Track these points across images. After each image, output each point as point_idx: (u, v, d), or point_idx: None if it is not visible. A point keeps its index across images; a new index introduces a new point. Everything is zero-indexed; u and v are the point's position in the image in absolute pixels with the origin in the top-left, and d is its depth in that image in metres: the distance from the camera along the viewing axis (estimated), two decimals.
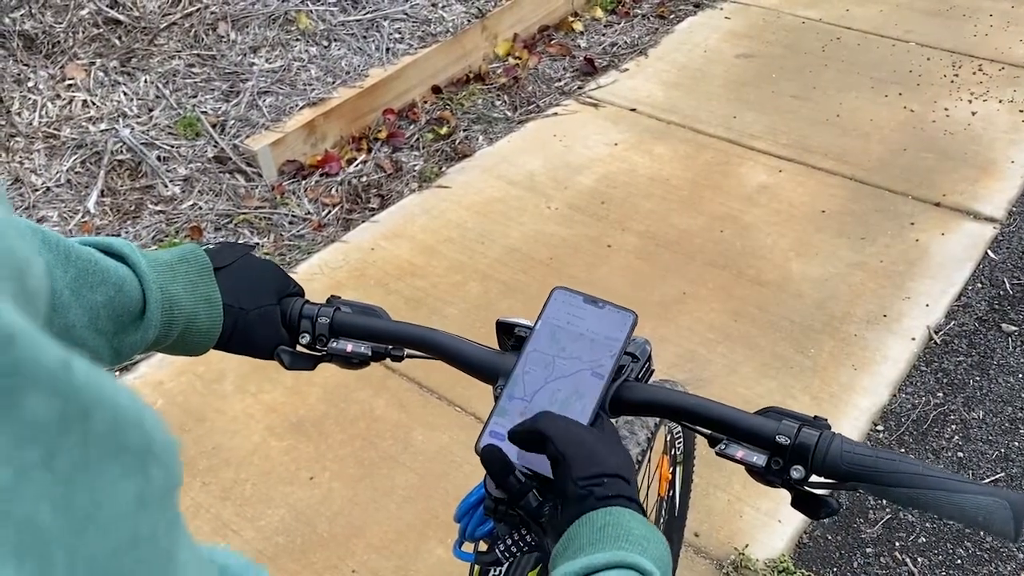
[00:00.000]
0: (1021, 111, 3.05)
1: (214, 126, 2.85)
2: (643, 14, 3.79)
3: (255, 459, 1.95)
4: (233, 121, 2.86)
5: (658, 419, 1.10)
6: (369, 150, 2.96)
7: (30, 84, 2.81)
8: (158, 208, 2.65)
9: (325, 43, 3.18)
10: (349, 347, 0.79)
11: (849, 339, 2.20)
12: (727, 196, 2.71)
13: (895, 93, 3.18)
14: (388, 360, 0.81)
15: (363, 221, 2.66)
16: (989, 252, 2.49)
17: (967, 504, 0.60)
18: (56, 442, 0.19)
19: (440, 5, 3.43)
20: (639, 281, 2.39)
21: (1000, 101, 3.11)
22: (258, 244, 2.58)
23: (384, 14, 3.31)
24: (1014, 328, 2.26)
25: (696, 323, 2.26)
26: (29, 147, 2.70)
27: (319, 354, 0.80)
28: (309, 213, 2.70)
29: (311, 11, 3.22)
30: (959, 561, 1.76)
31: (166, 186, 2.70)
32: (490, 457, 0.64)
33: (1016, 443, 1.97)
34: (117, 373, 2.17)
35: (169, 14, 3.04)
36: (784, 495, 0.68)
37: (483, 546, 0.77)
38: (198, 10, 3.07)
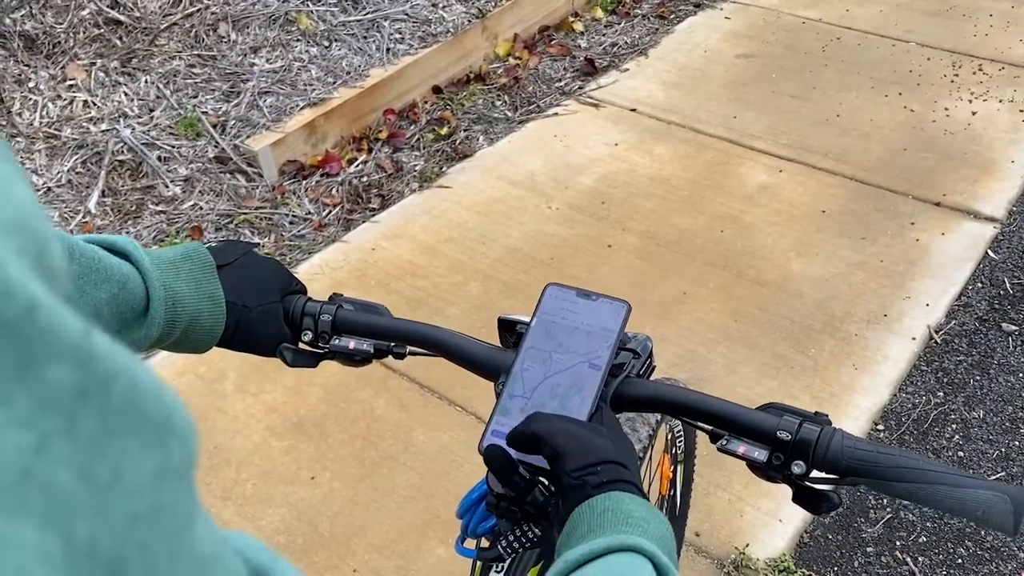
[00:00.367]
0: (1021, 111, 3.05)
1: (215, 126, 2.85)
2: (643, 14, 3.79)
3: (256, 459, 1.95)
4: (234, 121, 2.86)
5: (659, 416, 1.11)
6: (370, 150, 2.97)
7: (31, 84, 2.82)
8: (159, 208, 2.65)
9: (326, 43, 3.18)
10: (351, 344, 0.79)
11: (849, 339, 2.20)
12: (727, 196, 2.71)
13: (895, 93, 3.18)
14: (389, 359, 0.81)
15: (364, 221, 2.67)
16: (989, 252, 2.49)
17: (967, 498, 0.60)
18: (77, 410, 0.20)
19: (440, 5, 3.44)
20: (639, 281, 2.39)
21: (1000, 101, 3.11)
22: (259, 244, 2.59)
23: (384, 14, 3.31)
24: (1014, 327, 2.26)
25: (696, 323, 2.26)
26: (30, 147, 2.71)
27: (321, 351, 0.80)
28: (310, 213, 2.70)
29: (311, 11, 3.22)
30: (960, 560, 1.76)
31: (167, 186, 2.70)
32: (494, 456, 0.65)
33: (1016, 442, 1.97)
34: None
35: (170, 14, 3.04)
36: (785, 494, 0.68)
37: (485, 542, 0.77)
38: (199, 10, 3.08)
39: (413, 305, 2.32)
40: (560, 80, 3.37)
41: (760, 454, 0.67)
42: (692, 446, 1.36)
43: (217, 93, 2.94)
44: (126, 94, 2.88)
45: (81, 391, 0.20)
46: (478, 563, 0.91)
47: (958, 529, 1.81)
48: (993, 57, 3.37)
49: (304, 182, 2.81)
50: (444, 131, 3.05)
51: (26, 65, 2.84)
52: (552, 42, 3.60)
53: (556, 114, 3.15)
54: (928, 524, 1.82)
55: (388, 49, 3.18)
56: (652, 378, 0.78)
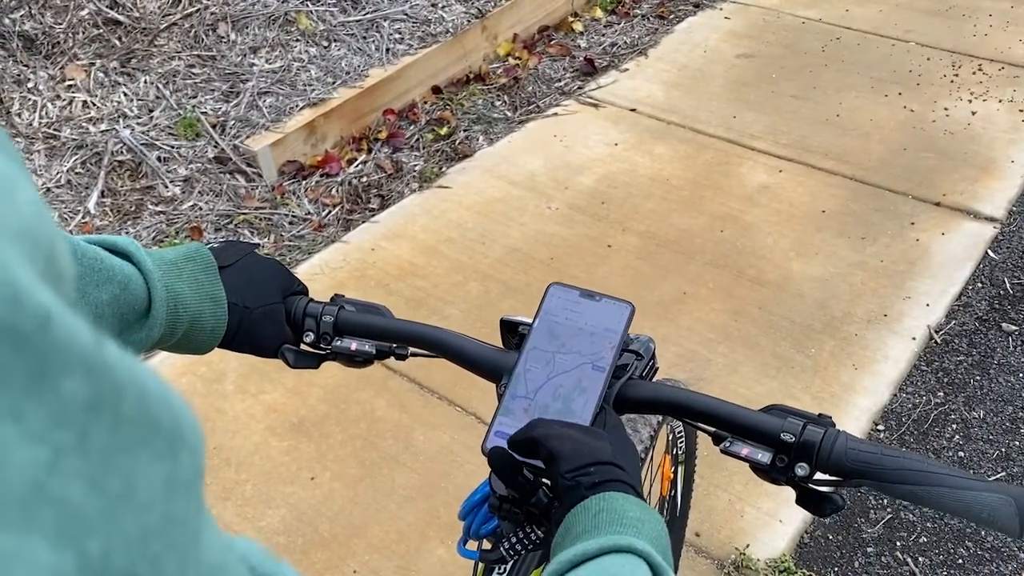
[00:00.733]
0: (1021, 111, 3.06)
1: (214, 127, 2.85)
2: (643, 14, 3.79)
3: (256, 459, 1.95)
4: (233, 121, 2.86)
5: (660, 417, 1.10)
6: (369, 150, 2.96)
7: (30, 85, 2.81)
8: (158, 208, 2.65)
9: (325, 43, 3.18)
10: (353, 345, 0.79)
11: (850, 339, 2.20)
12: (727, 196, 2.71)
13: (895, 93, 3.18)
14: (391, 359, 0.81)
15: (363, 221, 2.66)
16: (989, 252, 2.49)
17: (971, 501, 0.60)
18: (90, 423, 0.19)
19: (440, 5, 3.43)
20: (639, 281, 2.39)
21: (1000, 101, 3.11)
22: (259, 245, 2.58)
23: (384, 14, 3.31)
24: (1014, 327, 2.26)
25: (696, 323, 2.26)
26: (29, 148, 2.70)
27: (323, 352, 0.80)
28: (309, 213, 2.70)
29: (311, 11, 3.22)
30: (960, 561, 1.76)
31: (166, 187, 2.70)
32: (497, 458, 0.65)
33: (1017, 442, 1.97)
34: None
35: (169, 15, 3.04)
36: (786, 495, 0.68)
37: (487, 544, 0.77)
38: (198, 11, 3.07)
39: (413, 305, 2.32)
40: (560, 80, 3.37)
41: (764, 456, 0.67)
42: (693, 447, 1.36)
43: (216, 93, 2.94)
44: (125, 94, 2.88)
45: (94, 403, 0.20)
46: (480, 565, 0.90)
47: (958, 529, 1.81)
48: (993, 57, 3.37)
49: (304, 182, 2.81)
50: (444, 131, 3.04)
51: (25, 65, 2.84)
52: (552, 42, 3.60)
53: (556, 114, 3.15)
54: (928, 524, 1.82)
55: (388, 49, 3.18)
56: (654, 379, 0.78)
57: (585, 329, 0.72)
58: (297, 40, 3.15)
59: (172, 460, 0.22)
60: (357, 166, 2.90)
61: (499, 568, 0.89)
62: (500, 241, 2.55)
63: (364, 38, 3.22)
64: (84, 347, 0.20)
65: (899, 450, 0.65)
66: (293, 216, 2.68)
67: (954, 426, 2.02)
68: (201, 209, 2.66)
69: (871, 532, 1.81)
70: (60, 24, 2.90)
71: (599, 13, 3.78)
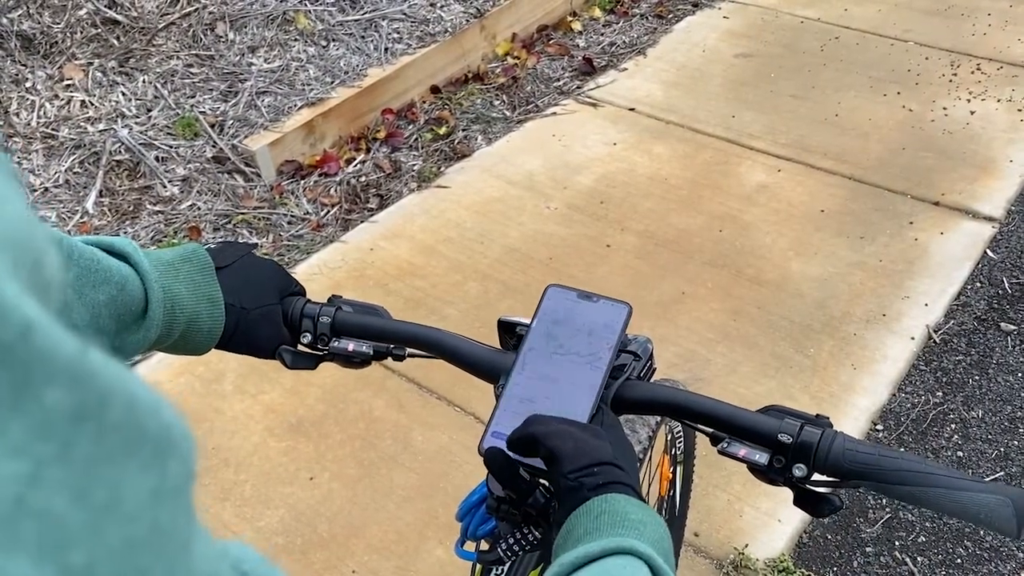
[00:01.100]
0: (1019, 110, 3.06)
1: (212, 126, 2.84)
2: (641, 14, 3.79)
3: (254, 460, 1.95)
4: (231, 121, 2.86)
5: (659, 418, 1.10)
6: (368, 150, 2.96)
7: (28, 84, 2.81)
8: (157, 208, 2.64)
9: (323, 43, 3.17)
10: (351, 346, 0.79)
11: (848, 338, 2.20)
12: (726, 195, 2.71)
13: (894, 92, 3.18)
14: (389, 360, 0.81)
15: (362, 221, 2.66)
16: (988, 251, 2.49)
17: (969, 502, 0.60)
18: (73, 433, 0.19)
19: (438, 5, 3.43)
20: (638, 281, 2.39)
21: (998, 100, 3.11)
22: (257, 245, 2.58)
23: (382, 14, 3.31)
24: (1013, 327, 2.26)
25: (695, 322, 2.26)
26: (27, 147, 2.70)
27: (321, 353, 0.80)
28: (308, 213, 2.70)
29: (309, 11, 3.22)
30: (959, 560, 1.76)
31: (164, 186, 2.70)
32: (494, 458, 0.64)
33: (1015, 442, 1.97)
34: None
35: (167, 14, 3.04)
36: (784, 495, 0.68)
37: (485, 545, 0.76)
38: (196, 10, 3.07)
39: (411, 305, 2.32)
40: (558, 80, 3.37)
41: (761, 457, 0.67)
42: (691, 447, 1.36)
43: (215, 93, 2.94)
44: (123, 94, 2.87)
45: (78, 413, 0.19)
46: (478, 566, 0.90)
47: (957, 529, 1.81)
48: (991, 56, 3.37)
49: (302, 182, 2.81)
50: (442, 131, 3.04)
51: (23, 65, 2.83)
52: (550, 42, 3.60)
53: (554, 114, 3.15)
54: (927, 524, 1.82)
55: (386, 49, 3.18)
56: (652, 380, 0.77)
57: (583, 330, 0.72)
58: (295, 40, 3.14)
59: (160, 469, 0.21)
60: (356, 166, 2.90)
61: (497, 569, 0.89)
62: (499, 241, 2.55)
63: (363, 38, 3.22)
64: (67, 356, 0.19)
65: (897, 451, 0.65)
66: (292, 216, 2.68)
67: (953, 426, 2.02)
68: (199, 209, 2.65)
69: (870, 532, 1.81)
70: (58, 24, 2.90)
71: (598, 12, 3.78)
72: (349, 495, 1.86)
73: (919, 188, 2.71)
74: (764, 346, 2.18)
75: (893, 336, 2.21)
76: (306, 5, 3.23)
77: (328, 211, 2.71)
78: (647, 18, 3.77)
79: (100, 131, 2.77)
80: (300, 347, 0.80)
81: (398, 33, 3.27)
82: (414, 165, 2.91)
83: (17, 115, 2.75)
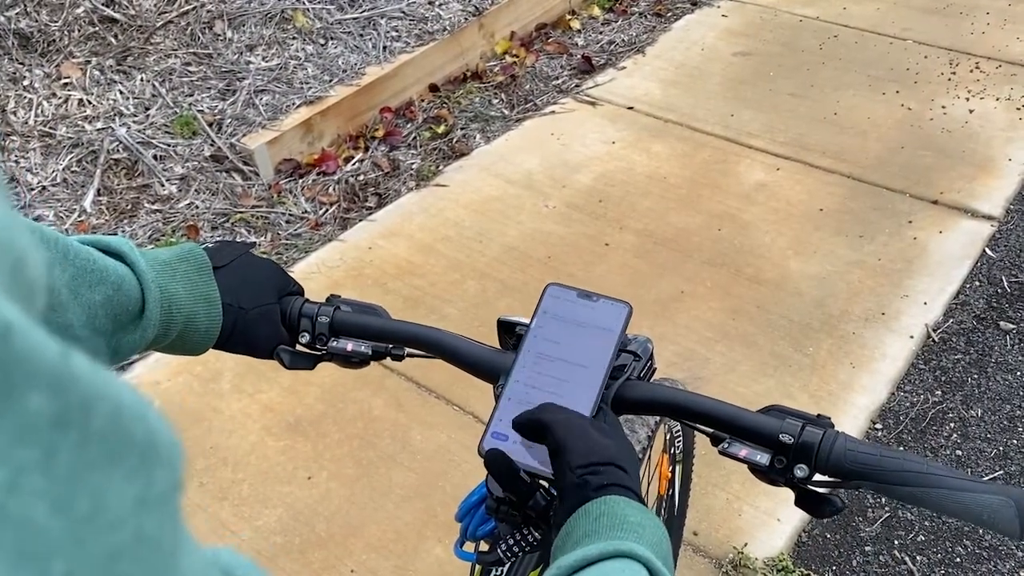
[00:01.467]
0: (1018, 109, 3.05)
1: (211, 125, 2.84)
2: (640, 12, 3.78)
3: (252, 459, 1.94)
4: (230, 120, 2.85)
5: (658, 417, 1.10)
6: (366, 149, 2.96)
7: (25, 83, 2.80)
8: (155, 207, 2.64)
9: (322, 41, 3.17)
10: (349, 346, 0.78)
11: (848, 337, 2.20)
12: (725, 194, 2.71)
13: (892, 91, 3.18)
14: (388, 359, 0.80)
15: (360, 220, 2.66)
16: (987, 250, 2.49)
17: (971, 502, 0.60)
18: (55, 440, 0.19)
19: (437, 3, 3.43)
20: (637, 279, 2.39)
21: (997, 99, 3.11)
22: (255, 244, 2.58)
23: (381, 12, 3.30)
24: (1012, 326, 2.26)
25: (694, 321, 2.25)
26: (25, 146, 2.69)
27: (319, 353, 0.80)
28: (306, 212, 2.69)
29: (308, 9, 3.21)
30: (958, 559, 1.76)
31: (163, 185, 2.69)
32: (495, 460, 0.64)
33: (1014, 441, 1.97)
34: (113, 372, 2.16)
35: (165, 12, 3.03)
36: (783, 494, 0.68)
37: (484, 546, 0.76)
38: (194, 8, 3.06)
39: (410, 304, 2.32)
40: (557, 78, 3.36)
41: (762, 457, 0.66)
42: (691, 446, 1.35)
43: (213, 91, 2.93)
44: (121, 92, 2.87)
45: (60, 419, 0.19)
46: (477, 567, 0.90)
47: (956, 528, 1.81)
48: (990, 55, 3.37)
49: (300, 181, 2.80)
50: (441, 129, 3.04)
51: (21, 63, 2.83)
52: (549, 40, 3.59)
53: (553, 112, 3.14)
54: (926, 523, 1.82)
55: (385, 47, 3.17)
56: (652, 379, 0.77)
57: (582, 329, 0.72)
58: (294, 38, 3.14)
59: (145, 477, 0.21)
60: (354, 164, 2.89)
61: (496, 570, 0.89)
62: (497, 240, 2.55)
63: (361, 36, 3.21)
64: (49, 361, 0.19)
65: (898, 451, 0.65)
66: (290, 215, 2.67)
67: (952, 425, 2.02)
68: (197, 208, 2.65)
69: (869, 531, 1.81)
70: (56, 22, 2.89)
71: (596, 11, 3.77)
72: (347, 494, 1.86)
73: (918, 187, 2.71)
74: (763, 345, 2.18)
75: (892, 335, 2.21)
76: (304, 3, 3.22)
77: (326, 210, 2.71)
78: (646, 16, 3.76)
79: (98, 130, 2.76)
80: (298, 347, 0.80)
81: (396, 31, 3.27)
82: (412, 164, 2.90)
83: (15, 113, 2.74)
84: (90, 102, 2.82)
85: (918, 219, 2.58)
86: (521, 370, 0.71)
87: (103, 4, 2.95)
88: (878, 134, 2.96)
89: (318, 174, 2.83)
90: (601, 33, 3.66)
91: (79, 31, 2.91)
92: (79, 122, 2.77)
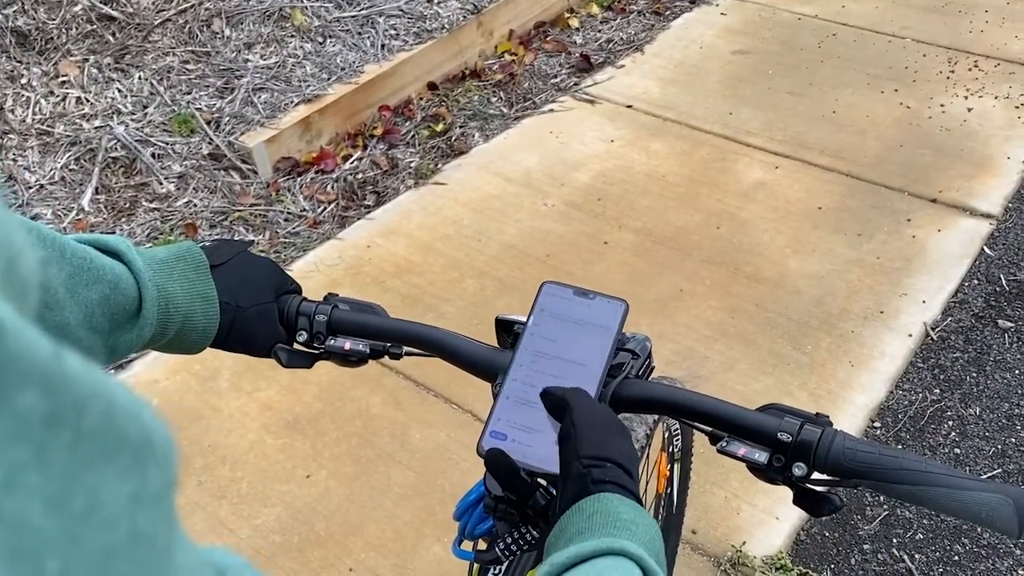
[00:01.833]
0: (1017, 107, 3.05)
1: (209, 123, 2.83)
2: (639, 10, 3.78)
3: (251, 457, 1.94)
4: (228, 118, 2.85)
5: (657, 416, 1.10)
6: (365, 147, 2.95)
7: (23, 81, 2.80)
8: (153, 205, 2.64)
9: (320, 39, 3.16)
10: (347, 345, 0.78)
11: (846, 336, 2.20)
12: (724, 193, 2.70)
13: (891, 89, 3.18)
14: (386, 358, 0.80)
15: (359, 218, 2.66)
16: (985, 248, 2.49)
17: (970, 501, 0.60)
18: (48, 439, 0.19)
19: (436, 1, 3.42)
20: (636, 278, 2.39)
21: (996, 97, 3.11)
22: (253, 242, 2.57)
23: (379, 10, 3.30)
24: (1010, 324, 2.26)
25: (693, 320, 2.25)
26: (23, 144, 2.69)
27: (317, 352, 0.80)
28: (304, 210, 2.69)
29: (306, 7, 3.20)
30: (956, 557, 1.76)
31: (161, 183, 2.69)
32: (495, 460, 0.64)
33: (1013, 439, 1.97)
34: (111, 371, 2.16)
35: (163, 10, 3.03)
36: (782, 492, 0.68)
37: (482, 544, 0.76)
38: (192, 6, 3.06)
39: (409, 303, 2.31)
40: (556, 76, 3.36)
41: (761, 456, 0.66)
42: (689, 444, 1.35)
43: (211, 89, 2.93)
44: (119, 91, 2.86)
45: (52, 418, 0.19)
46: (475, 565, 0.90)
47: (955, 526, 1.81)
48: (989, 53, 3.37)
49: (299, 179, 2.80)
50: (439, 127, 3.04)
51: (18, 61, 2.82)
52: (548, 38, 3.59)
53: (552, 110, 3.14)
54: (925, 521, 1.82)
55: (383, 45, 3.17)
56: (651, 378, 0.77)
57: (579, 327, 0.72)
58: (292, 36, 3.13)
59: (139, 475, 0.21)
60: (352, 163, 2.89)
61: (494, 568, 0.89)
62: (496, 238, 2.55)
63: (359, 34, 3.21)
64: (41, 360, 0.19)
65: (897, 449, 0.65)
66: (288, 213, 2.67)
67: (950, 423, 2.02)
68: (196, 206, 2.65)
69: (867, 529, 1.81)
70: (53, 20, 2.89)
71: (595, 9, 3.77)
72: (346, 493, 1.86)
73: (917, 185, 2.71)
74: (762, 343, 2.18)
75: (891, 333, 2.21)
76: (303, 1, 3.21)
77: (325, 208, 2.71)
78: (644, 14, 3.76)
79: (96, 128, 2.76)
80: (296, 345, 0.79)
81: (395, 29, 3.26)
82: (411, 162, 2.90)
83: (12, 112, 2.74)
84: (88, 100, 2.81)
85: (917, 217, 2.58)
86: (519, 369, 0.70)
87: (101, 2, 2.95)
88: (877, 132, 2.96)
89: (316, 172, 2.83)
90: (600, 31, 3.65)
91: (77, 29, 2.91)
92: (77, 120, 2.77)
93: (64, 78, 2.83)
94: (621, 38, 3.60)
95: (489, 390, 0.73)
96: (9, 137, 2.69)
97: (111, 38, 2.94)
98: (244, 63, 3.01)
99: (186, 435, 1.99)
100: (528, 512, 0.66)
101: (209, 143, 2.80)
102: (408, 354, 0.80)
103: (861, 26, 3.59)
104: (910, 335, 2.21)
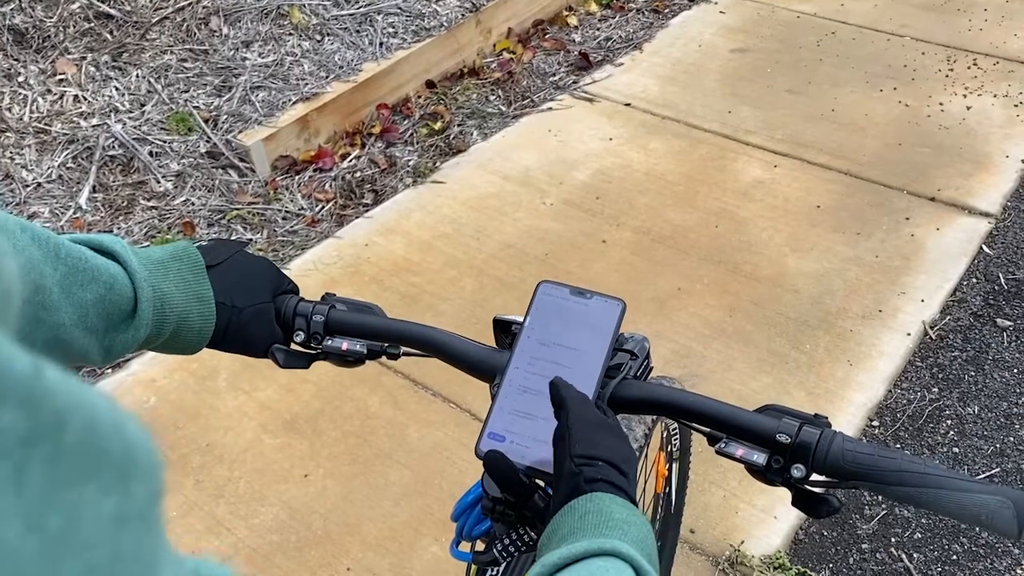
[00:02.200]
0: (1016, 105, 3.05)
1: (206, 121, 2.83)
2: (637, 8, 3.78)
3: (249, 456, 1.94)
4: (226, 116, 2.84)
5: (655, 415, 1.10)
6: (363, 145, 2.95)
7: (20, 79, 2.79)
8: (150, 204, 2.63)
9: (318, 37, 3.16)
10: (344, 345, 0.78)
11: (845, 334, 2.20)
12: (722, 191, 2.70)
13: (890, 88, 3.18)
14: (383, 358, 0.80)
15: (357, 217, 2.65)
16: (984, 247, 2.48)
17: (969, 503, 0.60)
18: (26, 457, 0.18)
19: None
20: (634, 277, 2.39)
21: (995, 96, 3.11)
22: (251, 240, 2.57)
23: (377, 8, 3.29)
24: (1009, 323, 2.26)
25: (691, 319, 2.25)
26: (20, 142, 2.68)
27: (314, 352, 0.79)
28: (302, 209, 2.69)
29: (304, 5, 3.20)
30: (955, 557, 1.76)
31: (158, 182, 2.68)
32: (494, 462, 0.64)
33: (1011, 438, 1.97)
34: (109, 371, 2.16)
35: (161, 8, 3.02)
36: (780, 492, 0.68)
37: (480, 545, 0.76)
38: (190, 4, 3.05)
39: (407, 301, 2.31)
40: (554, 74, 3.36)
41: (759, 457, 0.66)
42: (687, 444, 1.35)
43: (209, 88, 2.92)
44: (117, 89, 2.85)
45: (31, 436, 0.18)
46: (473, 567, 0.90)
47: (953, 525, 1.81)
48: (988, 52, 3.37)
49: (297, 177, 2.79)
50: (438, 126, 3.03)
51: (15, 59, 2.81)
52: (546, 36, 3.58)
53: (550, 109, 3.14)
54: (923, 521, 1.82)
55: (381, 43, 3.17)
56: (649, 378, 0.77)
57: (577, 327, 0.71)
58: (290, 34, 3.13)
59: (122, 492, 0.20)
60: (351, 161, 2.88)
61: (492, 570, 0.89)
62: (494, 236, 2.54)
63: (357, 32, 3.20)
64: (18, 375, 0.18)
65: (896, 451, 0.64)
66: (286, 212, 2.67)
67: (949, 422, 2.02)
68: (193, 205, 2.64)
69: (866, 528, 1.81)
70: (51, 18, 2.88)
71: (593, 7, 3.76)
72: (344, 492, 1.86)
73: (915, 184, 2.71)
74: (760, 342, 2.18)
75: (889, 332, 2.21)
76: None
77: (323, 207, 2.70)
78: (643, 13, 3.76)
79: (93, 126, 2.75)
80: (293, 346, 0.79)
81: (393, 27, 3.26)
82: (409, 160, 2.90)
83: (9, 110, 2.73)
84: (85, 98, 2.81)
85: (915, 216, 2.58)
86: (516, 369, 0.70)
87: (98, 0, 2.94)
88: (876, 131, 2.96)
89: (315, 171, 2.83)
90: (598, 29, 3.65)
91: (74, 27, 2.90)
92: (74, 119, 2.76)
93: (61, 76, 2.83)
94: (620, 36, 3.59)
95: (487, 389, 0.72)
96: (6, 135, 2.68)
97: (109, 36, 2.93)
98: (242, 61, 3.00)
99: (184, 434, 1.98)
100: (526, 513, 0.65)
101: (207, 141, 2.79)
102: (406, 354, 0.80)
103: (860, 24, 3.59)
104: (908, 334, 2.21)
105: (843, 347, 2.16)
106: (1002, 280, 2.39)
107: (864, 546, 1.78)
